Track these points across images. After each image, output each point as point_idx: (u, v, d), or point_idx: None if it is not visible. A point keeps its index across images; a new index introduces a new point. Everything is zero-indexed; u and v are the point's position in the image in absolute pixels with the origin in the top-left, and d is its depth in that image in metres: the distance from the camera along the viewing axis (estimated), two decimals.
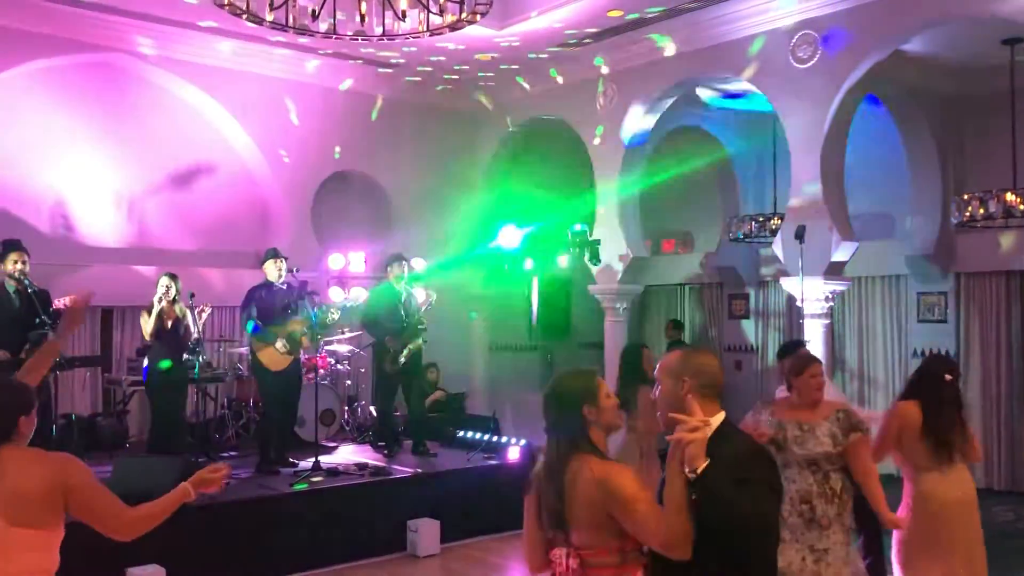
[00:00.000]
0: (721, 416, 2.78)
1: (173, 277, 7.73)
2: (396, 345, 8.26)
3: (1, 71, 8.30)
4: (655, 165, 10.61)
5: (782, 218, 8.89)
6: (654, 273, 11.59)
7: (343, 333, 9.62)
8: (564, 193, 11.18)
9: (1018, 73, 8.46)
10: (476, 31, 8.10)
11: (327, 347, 9.29)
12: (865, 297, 10.54)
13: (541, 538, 2.83)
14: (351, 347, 9.73)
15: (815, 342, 7.63)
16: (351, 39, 6.09)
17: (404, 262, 8.52)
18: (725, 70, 8.82)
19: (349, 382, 9.93)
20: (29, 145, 8.68)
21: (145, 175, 9.44)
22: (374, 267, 10.07)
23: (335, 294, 9.78)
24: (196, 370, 8.08)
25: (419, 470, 7.78)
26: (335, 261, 10.30)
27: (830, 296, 8.11)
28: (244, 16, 5.41)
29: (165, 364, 7.53)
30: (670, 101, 9.48)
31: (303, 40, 8.11)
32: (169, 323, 7.63)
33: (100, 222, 9.18)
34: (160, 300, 7.56)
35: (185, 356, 7.89)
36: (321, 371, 8.80)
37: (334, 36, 5.86)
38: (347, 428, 9.57)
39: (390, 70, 10.25)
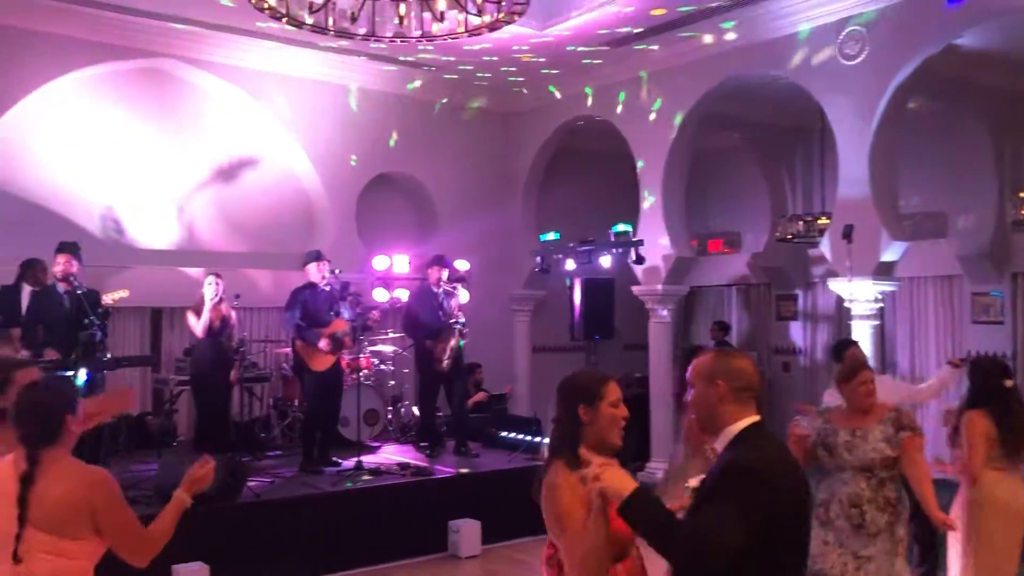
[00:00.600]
0: (750, 420, 2.61)
1: (219, 276, 7.89)
2: (435, 346, 8.28)
3: (52, 78, 8.50)
4: (701, 164, 10.48)
5: (830, 217, 8.73)
6: (700, 274, 11.47)
7: (386, 334, 9.68)
8: (607, 193, 11.11)
9: None
10: (516, 31, 8.08)
11: (370, 348, 9.35)
12: (917, 298, 10.28)
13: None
14: (394, 348, 9.78)
15: (864, 344, 7.46)
16: (390, 41, 6.11)
17: (444, 263, 8.54)
18: (769, 67, 8.68)
19: (392, 382, 9.98)
20: (81, 150, 8.88)
21: (192, 178, 9.61)
22: (417, 268, 10.10)
23: (379, 295, 9.87)
24: (240, 370, 8.21)
25: (461, 471, 7.79)
26: (379, 262, 10.38)
27: (879, 297, 7.94)
28: (284, 20, 5.46)
29: None
30: (713, 100, 9.36)
31: (344, 43, 8.16)
32: (217, 323, 7.80)
33: (149, 225, 9.36)
34: (211, 298, 7.75)
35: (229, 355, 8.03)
36: (365, 371, 8.85)
37: (373, 38, 5.88)
38: (390, 428, 9.62)
39: (432, 71, 10.28)
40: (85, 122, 8.91)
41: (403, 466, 7.80)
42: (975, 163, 9.60)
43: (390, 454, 8.63)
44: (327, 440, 8.08)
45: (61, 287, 6.99)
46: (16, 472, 2.75)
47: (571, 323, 10.74)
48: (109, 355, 6.88)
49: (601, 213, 11.14)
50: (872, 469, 4.08)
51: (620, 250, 9.69)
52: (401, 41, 6.05)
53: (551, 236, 10.54)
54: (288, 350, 8.67)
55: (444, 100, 10.86)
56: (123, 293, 7.27)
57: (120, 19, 8.47)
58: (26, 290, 7.48)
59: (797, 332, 11.67)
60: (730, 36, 8.75)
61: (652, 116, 9.65)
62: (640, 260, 9.45)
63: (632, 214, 9.87)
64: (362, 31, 5.91)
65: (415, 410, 9.52)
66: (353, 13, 5.59)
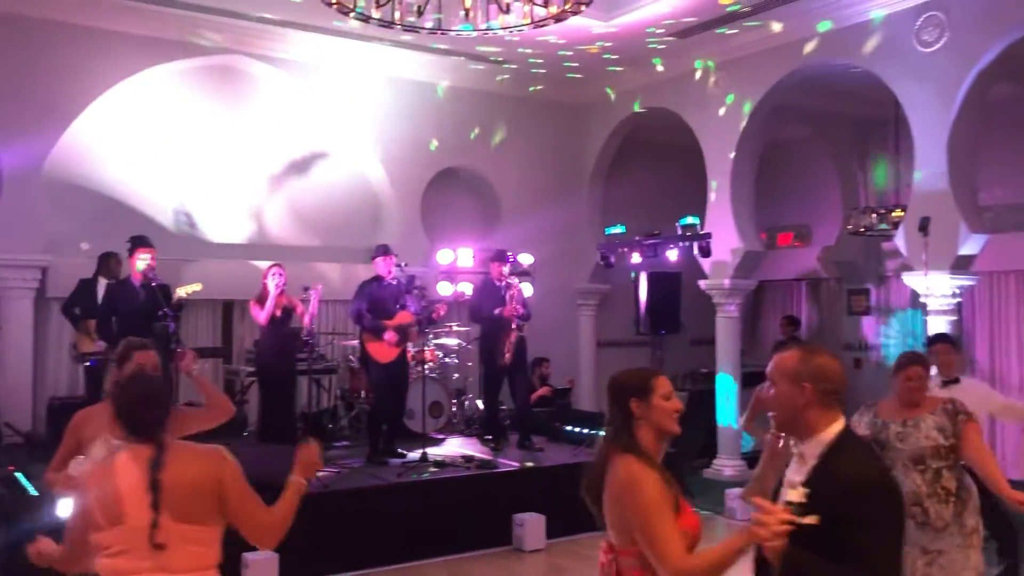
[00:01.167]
0: (840, 426, 2.50)
1: (281, 267, 8.06)
2: (498, 339, 8.29)
3: (126, 76, 8.70)
4: (770, 156, 10.27)
5: (904, 210, 8.48)
6: (768, 268, 11.24)
7: (450, 328, 9.72)
8: (674, 185, 10.96)
9: None
10: (583, 22, 8.01)
11: (435, 340, 9.40)
12: (997, 293, 9.92)
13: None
14: (459, 341, 9.82)
15: None
16: (456, 34, 6.11)
17: (506, 259, 8.55)
18: (842, 56, 8.45)
19: (457, 375, 10.02)
20: (155, 146, 9.11)
21: (263, 174, 9.79)
22: (482, 262, 10.12)
23: (443, 289, 9.89)
24: (307, 361, 8.33)
25: (525, 464, 7.79)
26: (444, 256, 10.42)
27: (957, 292, 7.68)
28: (351, 15, 5.50)
29: None
30: (783, 90, 9.15)
31: (408, 37, 8.19)
32: (279, 312, 7.94)
33: (221, 219, 9.56)
34: (273, 289, 7.91)
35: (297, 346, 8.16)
36: (429, 364, 8.90)
37: (439, 32, 5.89)
38: (455, 421, 9.66)
39: (497, 64, 10.27)
40: (159, 119, 9.11)
41: (467, 459, 7.82)
42: None
43: (454, 447, 8.67)
44: (393, 432, 8.16)
45: (136, 280, 7.17)
46: (140, 460, 2.71)
47: (636, 317, 10.64)
48: (182, 346, 7.03)
49: (668, 205, 10.99)
50: (924, 460, 3.93)
51: (687, 243, 9.55)
52: (467, 34, 6.03)
53: (617, 229, 10.44)
54: (355, 342, 8.76)
55: (507, 92, 10.83)
56: (197, 287, 7.41)
57: (192, 16, 8.64)
58: (102, 283, 7.71)
59: (869, 328, 11.38)
60: (798, 25, 8.54)
61: (721, 108, 9.49)
62: (707, 253, 9.30)
63: (699, 207, 9.72)
64: (428, 24, 5.92)
65: (479, 403, 9.55)
66: (419, 6, 5.61)
